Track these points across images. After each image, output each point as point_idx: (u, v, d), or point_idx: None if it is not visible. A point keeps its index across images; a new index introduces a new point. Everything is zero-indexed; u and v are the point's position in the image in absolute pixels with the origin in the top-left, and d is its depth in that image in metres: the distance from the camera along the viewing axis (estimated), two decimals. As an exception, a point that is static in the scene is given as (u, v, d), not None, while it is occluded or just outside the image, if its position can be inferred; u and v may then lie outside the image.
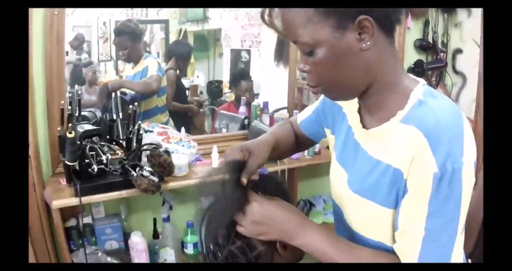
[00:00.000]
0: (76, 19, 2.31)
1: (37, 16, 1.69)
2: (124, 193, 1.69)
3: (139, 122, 1.76)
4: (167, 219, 1.90)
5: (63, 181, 1.75)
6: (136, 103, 1.77)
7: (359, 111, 0.81)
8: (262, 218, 0.75)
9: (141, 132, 1.74)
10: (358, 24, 0.65)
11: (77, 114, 1.73)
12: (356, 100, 0.80)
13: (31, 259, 1.69)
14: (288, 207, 0.79)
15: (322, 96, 0.94)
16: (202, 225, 0.88)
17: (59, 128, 1.67)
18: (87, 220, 1.85)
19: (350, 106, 0.84)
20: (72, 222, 1.84)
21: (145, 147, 1.78)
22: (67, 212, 1.79)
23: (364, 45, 0.66)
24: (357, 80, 0.71)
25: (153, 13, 2.46)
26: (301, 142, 1.06)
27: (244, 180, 0.78)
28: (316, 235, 0.74)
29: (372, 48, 0.67)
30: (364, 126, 0.79)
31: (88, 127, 1.72)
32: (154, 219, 1.94)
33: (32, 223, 1.72)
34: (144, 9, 2.41)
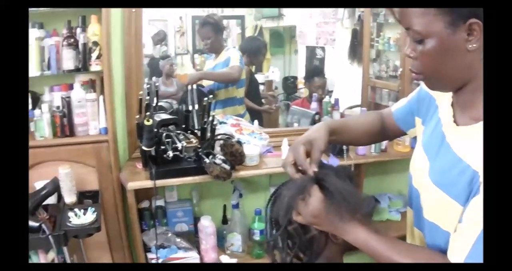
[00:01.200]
0: (152, 13, 2.64)
1: (115, 14, 1.97)
2: (197, 178, 1.89)
3: (213, 113, 1.97)
4: (236, 206, 2.08)
5: (139, 165, 2.01)
6: (211, 96, 1.97)
7: (452, 106, 0.88)
8: (319, 212, 0.87)
9: (215, 122, 1.93)
10: (468, 26, 0.72)
11: (154, 104, 1.99)
12: (450, 94, 0.88)
13: (104, 236, 1.97)
14: (338, 204, 0.88)
15: (419, 87, 1.04)
16: (269, 202, 1.06)
17: (137, 116, 1.94)
18: (160, 203, 2.10)
19: (443, 99, 0.92)
20: (145, 204, 2.09)
21: (218, 137, 1.97)
22: (141, 194, 2.03)
23: (470, 46, 0.74)
24: (457, 76, 0.79)
25: (229, 9, 2.70)
26: (390, 131, 1.15)
27: (312, 169, 0.91)
28: (363, 233, 0.85)
29: (477, 50, 0.75)
30: (454, 121, 0.86)
31: (165, 116, 1.96)
32: (224, 206, 2.15)
33: (106, 202, 2.01)
34: None
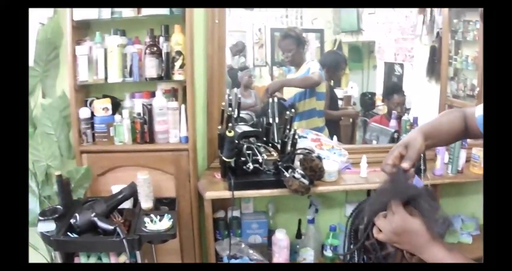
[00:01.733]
0: (231, 24, 2.73)
1: (198, 24, 2.07)
2: (275, 191, 1.98)
3: (295, 127, 2.06)
4: (312, 221, 2.17)
5: (218, 175, 2.10)
6: (293, 110, 2.06)
7: None
8: (402, 231, 0.90)
9: (296, 137, 2.03)
10: None
11: (236, 115, 2.09)
12: None
13: (177, 243, 2.06)
14: (423, 224, 0.92)
15: None
16: (350, 216, 1.11)
17: (219, 127, 2.04)
18: (236, 213, 2.19)
19: None
20: (220, 214, 2.18)
21: (299, 151, 2.06)
22: (217, 204, 2.12)
23: None
24: None
25: (308, 22, 2.79)
26: (471, 132, 1.16)
27: (406, 165, 0.96)
28: (441, 253, 0.88)
29: None
30: None
31: (246, 128, 2.06)
32: (299, 220, 2.24)
33: (182, 210, 2.10)
34: (299, 18, 2.76)
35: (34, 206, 2.18)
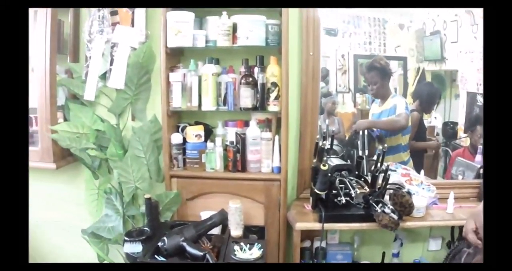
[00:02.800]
0: None
1: (292, 55, 2.25)
2: (364, 225, 2.18)
3: (387, 163, 2.27)
4: (396, 255, 2.37)
5: (307, 206, 2.32)
6: (385, 145, 2.28)
7: None
8: None
9: (389, 173, 2.25)
10: None
11: (328, 147, 2.31)
12: None
13: None
14: None
15: None
16: (448, 256, 1.31)
17: (314, 160, 2.26)
18: (322, 244, 2.42)
19: None
20: (306, 244, 2.40)
21: (389, 186, 2.29)
22: (303, 233, 2.26)
23: None
24: None
25: (391, 49, 2.96)
26: None
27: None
28: None
29: None
30: None
31: (339, 161, 2.26)
32: (383, 253, 2.44)
33: (269, 238, 2.25)
34: (383, 45, 2.94)
35: (117, 224, 2.40)
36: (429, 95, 2.89)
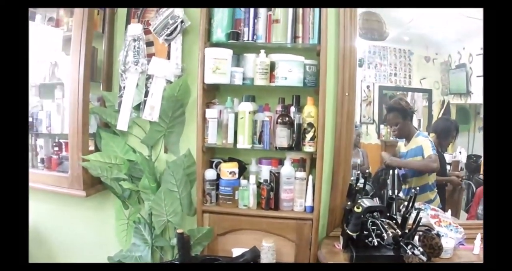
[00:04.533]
0: None
1: (328, 95, 2.39)
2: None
3: (421, 205, 2.40)
4: (423, 297, 2.53)
5: (338, 245, 2.46)
6: (418, 188, 2.41)
7: None
8: None
9: (420, 216, 2.38)
10: None
11: (361, 187, 2.43)
12: None
13: None
14: None
15: None
16: None
17: (349, 203, 2.37)
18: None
19: None
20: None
21: (419, 227, 2.42)
22: None
23: None
24: None
25: (416, 81, 3.07)
26: None
27: None
28: None
29: None
30: None
31: (370, 202, 2.39)
32: None
33: None
34: (408, 77, 3.05)
35: (145, 254, 2.53)
36: (445, 129, 3.02)
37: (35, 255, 3.07)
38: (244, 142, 2.36)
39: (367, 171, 2.51)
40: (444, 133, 3.03)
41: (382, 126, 2.93)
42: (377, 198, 2.39)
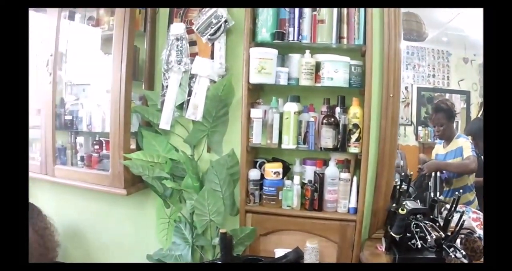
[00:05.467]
0: None
1: (373, 97, 2.45)
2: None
3: (464, 208, 2.43)
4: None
5: (380, 247, 2.51)
6: (461, 190, 2.45)
7: None
8: None
9: (464, 219, 2.41)
10: None
11: (405, 189, 2.47)
12: None
13: None
14: None
15: None
16: None
17: (394, 205, 2.41)
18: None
19: None
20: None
21: (462, 231, 2.45)
22: None
23: None
24: None
25: (454, 83, 3.10)
26: None
27: None
28: None
29: None
30: None
31: (413, 204, 2.44)
32: None
33: None
34: (446, 78, 3.08)
35: (185, 253, 2.59)
36: (480, 130, 3.04)
37: (72, 254, 3.13)
38: (289, 143, 2.41)
39: (408, 173, 2.54)
40: (480, 134, 3.07)
41: (420, 127, 2.96)
42: (418, 200, 2.40)
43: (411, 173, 2.49)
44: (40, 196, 3.25)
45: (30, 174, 3.03)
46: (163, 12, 2.75)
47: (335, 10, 2.42)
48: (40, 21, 3.04)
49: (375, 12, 2.43)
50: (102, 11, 2.87)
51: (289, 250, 2.39)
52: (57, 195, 3.20)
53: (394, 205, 2.39)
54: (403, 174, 2.41)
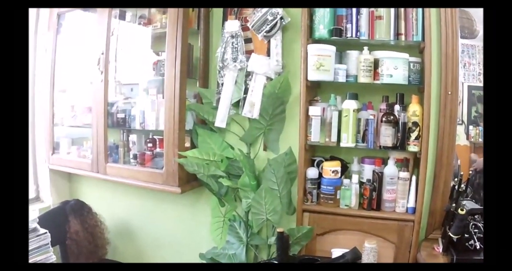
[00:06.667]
0: None
1: (433, 95, 2.48)
2: None
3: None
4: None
5: (437, 248, 2.53)
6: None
7: None
8: None
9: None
10: None
11: (464, 189, 2.48)
12: None
13: None
14: None
15: None
16: None
17: (453, 205, 2.43)
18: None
19: None
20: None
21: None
22: None
23: None
24: None
25: None
26: None
27: None
28: None
29: None
30: None
31: (473, 205, 2.46)
32: None
33: None
34: None
35: (239, 252, 2.65)
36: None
37: (122, 252, 3.21)
38: (348, 141, 2.45)
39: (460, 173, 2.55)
40: None
41: (471, 127, 2.95)
42: (474, 201, 2.42)
43: (462, 173, 2.49)
44: (91, 194, 3.35)
45: (81, 172, 3.12)
46: (217, 9, 2.82)
47: (392, 6, 2.45)
48: (90, 20, 3.13)
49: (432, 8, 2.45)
50: (154, 9, 2.93)
51: (346, 250, 2.42)
52: (108, 193, 3.29)
53: (453, 205, 2.40)
54: (462, 173, 2.41)
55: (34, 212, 2.47)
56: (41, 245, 2.40)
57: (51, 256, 2.45)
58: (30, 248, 2.33)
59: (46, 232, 2.43)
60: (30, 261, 2.31)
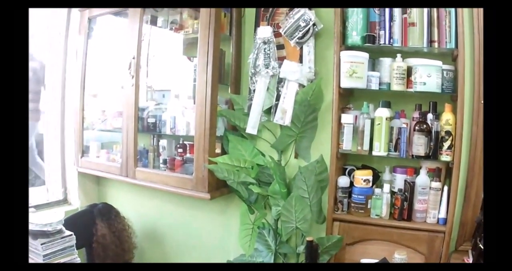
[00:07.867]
0: None
1: (466, 103, 2.51)
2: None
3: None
4: None
5: (467, 260, 2.57)
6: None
7: None
8: None
9: None
10: None
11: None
12: None
13: None
14: None
15: None
16: None
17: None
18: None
19: None
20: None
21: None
22: None
23: None
24: None
25: None
26: None
27: None
28: None
29: None
30: None
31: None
32: None
33: None
34: None
35: (267, 260, 2.73)
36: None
37: (149, 257, 3.30)
38: (380, 149, 2.51)
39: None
40: None
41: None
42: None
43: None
44: (119, 198, 3.46)
45: (110, 176, 3.23)
46: (249, 15, 2.91)
47: (425, 12, 2.51)
48: (121, 25, 3.24)
49: (465, 15, 2.48)
50: (185, 14, 3.02)
51: (376, 260, 2.47)
52: (136, 198, 3.39)
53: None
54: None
55: (60, 214, 2.58)
56: (65, 247, 2.52)
57: (76, 259, 2.57)
58: (54, 249, 2.46)
59: (71, 234, 2.55)
60: (55, 262, 2.42)
